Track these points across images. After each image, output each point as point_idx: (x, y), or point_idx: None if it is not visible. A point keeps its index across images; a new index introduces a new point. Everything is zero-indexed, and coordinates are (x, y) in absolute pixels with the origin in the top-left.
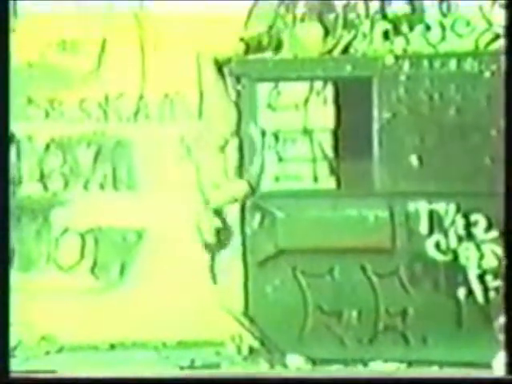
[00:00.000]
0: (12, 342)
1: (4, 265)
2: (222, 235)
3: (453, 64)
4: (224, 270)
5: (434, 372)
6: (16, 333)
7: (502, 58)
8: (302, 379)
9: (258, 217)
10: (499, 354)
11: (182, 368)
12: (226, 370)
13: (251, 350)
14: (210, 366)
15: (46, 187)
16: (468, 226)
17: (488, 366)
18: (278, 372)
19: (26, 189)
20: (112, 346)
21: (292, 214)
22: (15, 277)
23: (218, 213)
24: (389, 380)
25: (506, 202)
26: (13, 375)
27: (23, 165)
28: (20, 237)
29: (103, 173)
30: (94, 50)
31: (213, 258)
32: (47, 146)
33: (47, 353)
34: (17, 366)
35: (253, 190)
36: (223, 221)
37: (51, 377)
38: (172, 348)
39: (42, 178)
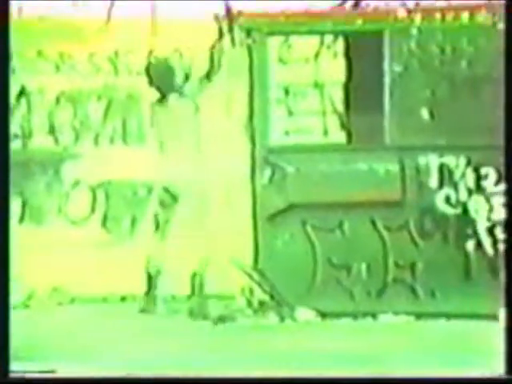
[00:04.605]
0: (24, 293)
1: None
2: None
3: (465, 17)
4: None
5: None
6: (28, 284)
7: None
8: (301, 380)
9: (268, 171)
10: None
11: (192, 315)
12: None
13: (261, 304)
14: (221, 319)
15: (56, 140)
16: (478, 179)
17: (494, 317)
18: (288, 325)
19: (36, 142)
20: (123, 299)
21: (302, 169)
22: (27, 230)
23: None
24: (390, 380)
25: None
26: (12, 375)
27: (34, 118)
28: (31, 190)
29: (113, 127)
30: (104, 4)
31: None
32: (57, 100)
33: (60, 304)
34: (30, 317)
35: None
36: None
37: (51, 377)
38: (182, 301)
39: (53, 131)
